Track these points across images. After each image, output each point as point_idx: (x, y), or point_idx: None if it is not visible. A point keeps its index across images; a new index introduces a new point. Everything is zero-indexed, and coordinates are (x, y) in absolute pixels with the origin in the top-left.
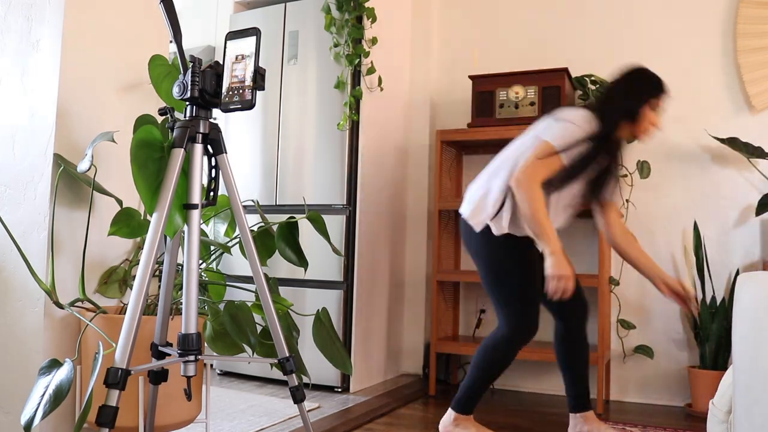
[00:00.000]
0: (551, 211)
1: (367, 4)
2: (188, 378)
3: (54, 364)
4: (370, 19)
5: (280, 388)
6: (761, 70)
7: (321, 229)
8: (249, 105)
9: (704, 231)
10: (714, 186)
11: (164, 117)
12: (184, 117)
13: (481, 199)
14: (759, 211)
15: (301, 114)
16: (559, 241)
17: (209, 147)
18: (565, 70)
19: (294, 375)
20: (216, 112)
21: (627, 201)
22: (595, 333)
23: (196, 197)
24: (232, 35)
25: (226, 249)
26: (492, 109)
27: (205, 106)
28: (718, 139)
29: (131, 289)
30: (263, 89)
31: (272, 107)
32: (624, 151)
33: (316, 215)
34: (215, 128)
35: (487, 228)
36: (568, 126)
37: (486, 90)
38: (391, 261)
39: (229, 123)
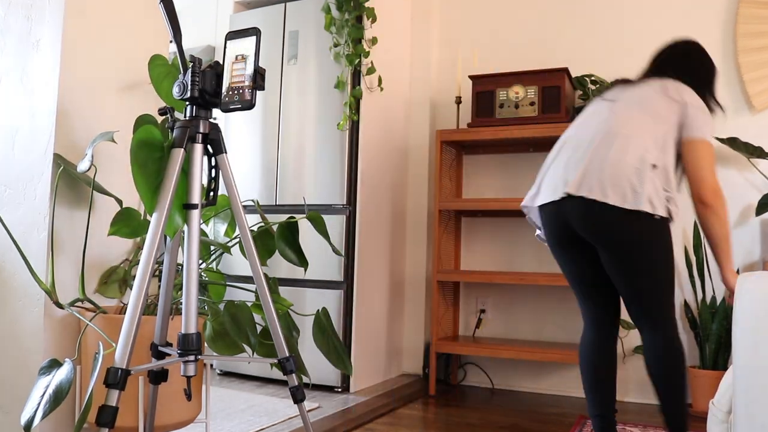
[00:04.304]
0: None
1: (367, 4)
2: (188, 378)
3: (54, 364)
4: (370, 19)
5: (280, 388)
6: (761, 70)
7: (321, 229)
8: (249, 105)
9: None
10: None
11: (164, 117)
12: (184, 117)
13: (636, 179)
14: (759, 211)
15: (301, 114)
16: None
17: (209, 147)
18: (565, 70)
19: (294, 375)
20: (216, 112)
21: None
22: None
23: (196, 197)
24: (232, 35)
25: (226, 249)
26: (492, 109)
27: (205, 106)
28: (718, 139)
29: (131, 289)
30: (263, 89)
31: (272, 107)
32: None
33: (316, 215)
34: (215, 128)
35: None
36: (707, 116)
37: (486, 90)
38: (391, 261)
39: (229, 123)
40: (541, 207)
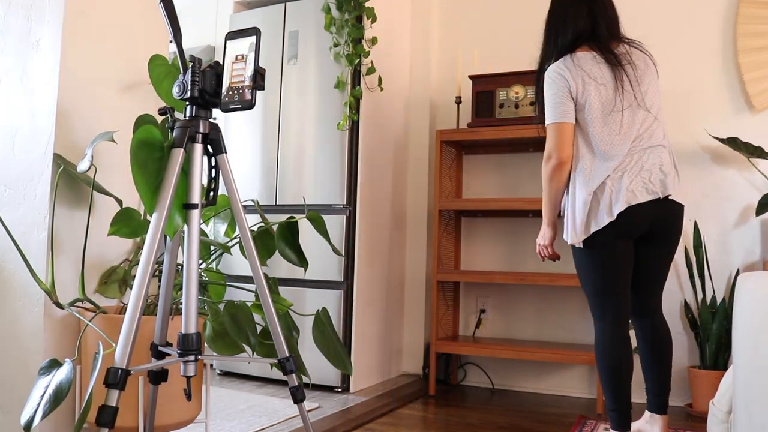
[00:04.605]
0: None
1: (367, 4)
2: (188, 378)
3: (54, 364)
4: (370, 19)
5: (280, 388)
6: (761, 70)
7: (321, 229)
8: (249, 105)
9: (704, 231)
10: (714, 186)
11: (164, 117)
12: (184, 117)
13: (675, 167)
14: (759, 211)
15: (301, 114)
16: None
17: (209, 147)
18: None
19: (294, 375)
20: (216, 112)
21: None
22: None
23: (196, 197)
24: (232, 35)
25: (226, 249)
26: (492, 109)
27: (205, 106)
28: (718, 139)
29: (131, 289)
30: (263, 89)
31: (272, 107)
32: None
33: (316, 215)
34: (215, 128)
35: None
36: None
37: (486, 90)
38: (391, 261)
39: (229, 123)
40: (640, 204)
